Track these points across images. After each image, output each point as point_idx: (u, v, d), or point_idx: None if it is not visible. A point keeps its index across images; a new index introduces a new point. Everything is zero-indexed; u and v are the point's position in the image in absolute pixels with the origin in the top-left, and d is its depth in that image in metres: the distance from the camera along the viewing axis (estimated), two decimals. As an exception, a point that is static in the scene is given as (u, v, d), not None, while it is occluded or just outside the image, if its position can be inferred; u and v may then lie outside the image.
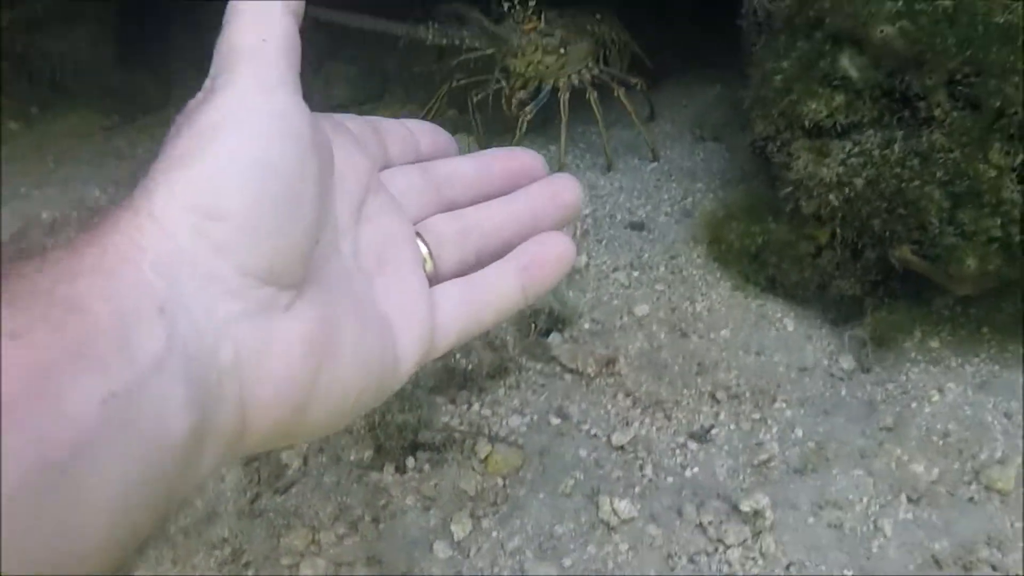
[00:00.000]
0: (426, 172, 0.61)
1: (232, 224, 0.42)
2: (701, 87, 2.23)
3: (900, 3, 1.40)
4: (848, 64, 1.45)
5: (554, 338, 1.48)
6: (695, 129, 2.06)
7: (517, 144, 1.93)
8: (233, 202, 0.43)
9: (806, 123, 1.49)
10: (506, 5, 1.85)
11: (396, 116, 1.96)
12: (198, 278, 0.41)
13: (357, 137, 0.58)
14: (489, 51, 1.82)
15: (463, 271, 0.59)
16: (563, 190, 0.61)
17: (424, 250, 0.58)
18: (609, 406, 1.37)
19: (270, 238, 0.44)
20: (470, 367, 1.41)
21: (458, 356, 1.42)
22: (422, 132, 0.65)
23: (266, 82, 0.47)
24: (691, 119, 2.11)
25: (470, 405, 1.39)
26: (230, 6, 0.50)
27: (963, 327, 1.57)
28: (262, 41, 0.48)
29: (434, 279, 0.58)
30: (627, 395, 1.39)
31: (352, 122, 0.60)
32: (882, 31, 1.40)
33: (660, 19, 2.38)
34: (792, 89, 1.50)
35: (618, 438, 1.32)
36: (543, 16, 1.87)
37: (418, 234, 0.58)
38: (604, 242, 1.67)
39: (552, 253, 0.59)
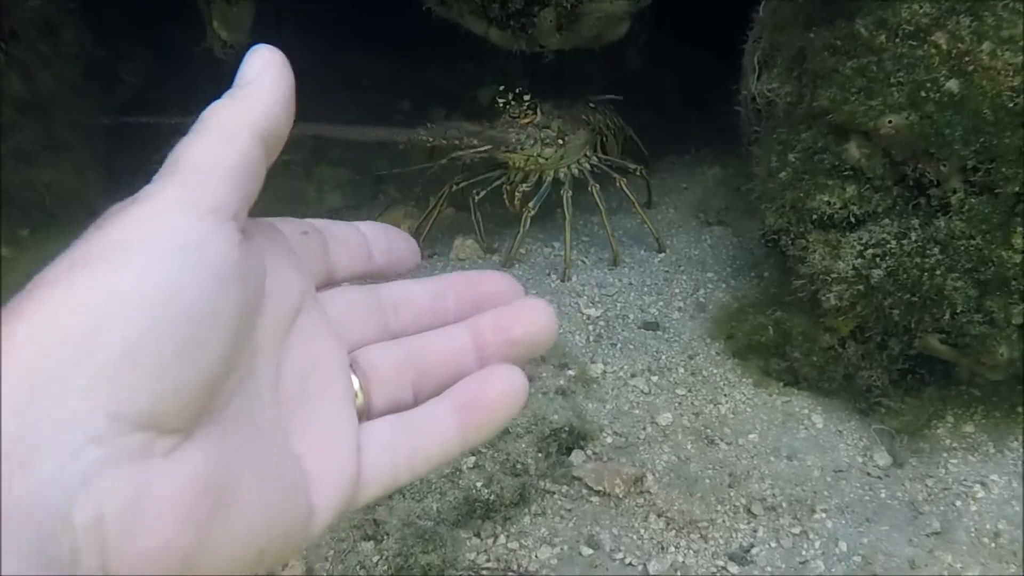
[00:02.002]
0: (371, 295, 0.54)
1: (105, 360, 0.36)
2: (699, 168, 2.21)
3: (905, 93, 1.37)
4: (857, 154, 1.42)
5: (576, 456, 1.42)
6: (699, 214, 2.03)
7: (521, 241, 1.89)
8: (111, 335, 0.36)
9: (818, 216, 1.45)
10: (501, 101, 1.83)
11: (393, 219, 1.92)
12: (53, 422, 0.34)
13: (296, 247, 0.51)
14: (487, 148, 1.79)
15: (398, 407, 0.52)
16: (514, 323, 0.52)
17: (356, 383, 0.51)
18: (641, 530, 1.31)
19: (156, 380, 0.37)
20: (492, 496, 1.35)
21: (479, 485, 1.36)
22: (377, 238, 0.57)
23: (194, 203, 0.41)
24: (693, 203, 2.08)
25: (496, 538, 1.32)
26: (200, 116, 0.46)
27: (996, 407, 1.52)
28: (212, 158, 0.43)
29: (365, 414, 0.51)
30: (659, 516, 1.33)
31: (293, 227, 0.53)
32: (889, 122, 1.37)
33: (651, 102, 2.38)
34: (801, 182, 1.47)
35: (655, 567, 1.25)
36: (539, 109, 1.85)
37: (351, 364, 0.51)
38: (619, 346, 1.62)
39: (495, 391, 0.50)
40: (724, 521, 1.31)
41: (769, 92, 1.62)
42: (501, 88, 1.82)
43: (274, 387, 0.46)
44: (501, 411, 0.51)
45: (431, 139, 1.72)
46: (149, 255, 0.39)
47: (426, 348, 0.53)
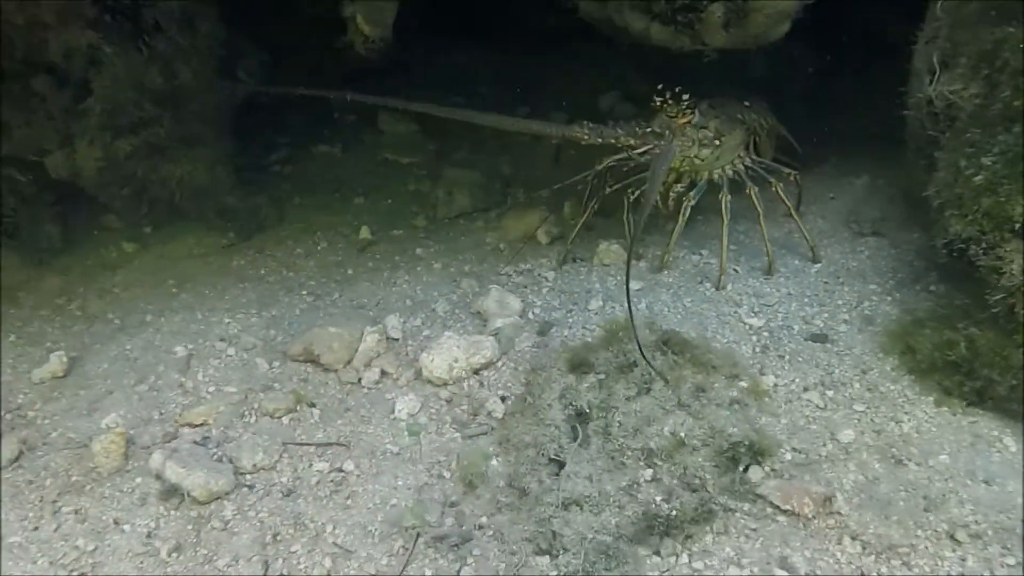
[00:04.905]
0: None
1: None
2: (844, 178, 2.11)
3: None
4: (1065, 158, 1.33)
5: (755, 472, 1.34)
6: (851, 224, 1.94)
7: (678, 235, 1.80)
8: None
9: (1019, 224, 1.36)
10: (659, 100, 1.76)
11: (528, 222, 1.84)
12: None
13: None
14: (644, 149, 1.73)
15: None
16: None
17: None
18: (837, 553, 1.22)
19: None
20: (672, 512, 1.27)
21: (659, 499, 1.29)
22: None
23: None
24: (843, 213, 1.98)
25: (678, 557, 1.25)
26: None
27: None
28: None
29: None
30: (854, 539, 1.24)
31: None
32: (1109, 123, 1.27)
33: (778, 108, 2.28)
34: (998, 188, 1.38)
35: (858, 594, 1.17)
36: (696, 109, 1.78)
37: None
38: (787, 358, 1.54)
39: None
40: (927, 548, 1.22)
41: (951, 94, 1.53)
42: (659, 87, 1.75)
43: None
44: None
45: (587, 137, 1.66)
46: None
47: None
